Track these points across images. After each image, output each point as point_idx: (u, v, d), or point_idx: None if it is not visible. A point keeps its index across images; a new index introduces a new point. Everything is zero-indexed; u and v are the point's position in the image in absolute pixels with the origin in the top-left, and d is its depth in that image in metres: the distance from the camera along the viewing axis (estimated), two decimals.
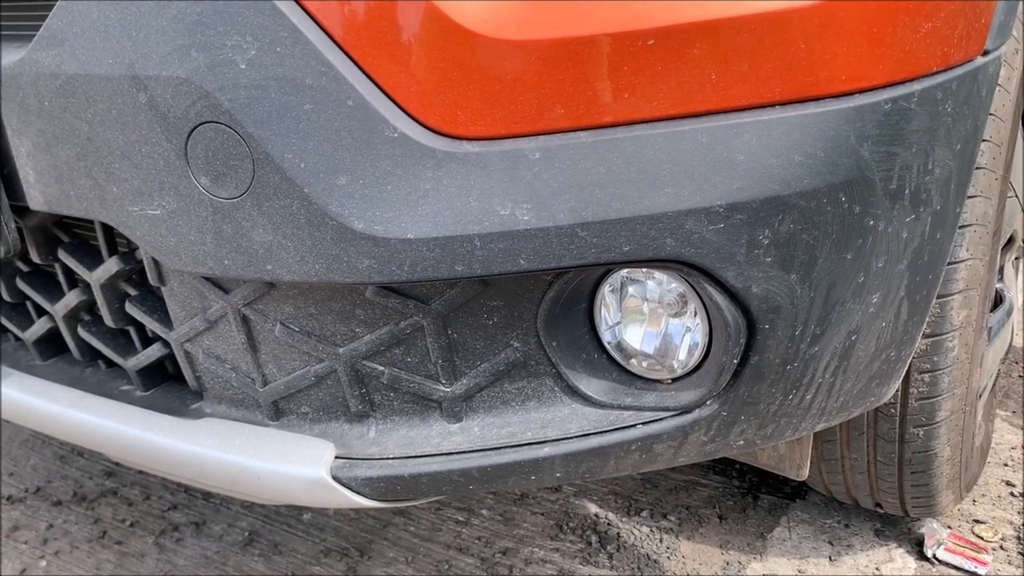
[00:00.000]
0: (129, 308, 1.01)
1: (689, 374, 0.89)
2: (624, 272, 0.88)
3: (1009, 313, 1.37)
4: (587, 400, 0.90)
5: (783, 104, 0.75)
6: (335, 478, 0.90)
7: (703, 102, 0.75)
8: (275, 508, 1.61)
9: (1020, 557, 1.36)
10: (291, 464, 0.90)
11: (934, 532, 1.38)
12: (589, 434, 0.88)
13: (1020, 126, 1.24)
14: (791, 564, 1.38)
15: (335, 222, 0.76)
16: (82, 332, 1.09)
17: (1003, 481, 1.54)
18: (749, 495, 1.56)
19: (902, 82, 0.79)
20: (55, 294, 1.10)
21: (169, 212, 0.83)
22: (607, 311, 0.90)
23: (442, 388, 0.90)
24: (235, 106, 0.75)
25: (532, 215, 0.75)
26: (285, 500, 0.94)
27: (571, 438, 0.88)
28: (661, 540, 1.46)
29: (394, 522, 1.55)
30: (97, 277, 0.99)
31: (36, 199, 0.92)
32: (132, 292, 1.01)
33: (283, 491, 0.91)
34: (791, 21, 0.73)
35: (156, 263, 0.93)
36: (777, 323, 0.82)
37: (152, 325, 0.99)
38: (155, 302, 1.00)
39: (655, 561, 1.41)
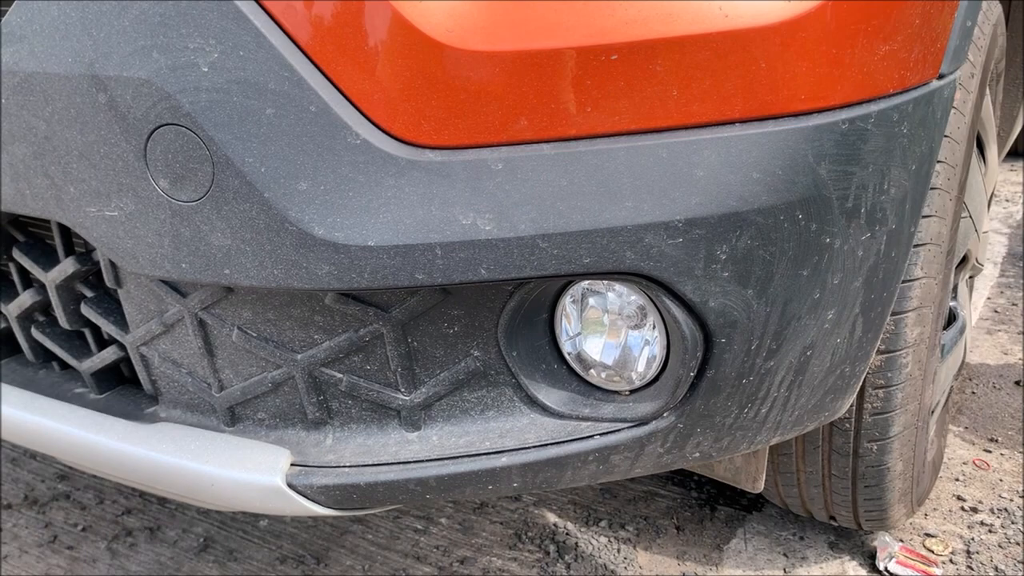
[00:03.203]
0: (84, 310, 0.99)
1: (647, 386, 0.89)
2: (585, 284, 0.89)
3: (962, 331, 1.40)
4: (546, 410, 0.90)
5: (743, 122, 0.77)
6: (290, 485, 0.89)
7: (664, 118, 0.76)
8: (231, 514, 1.59)
9: (969, 570, 1.38)
10: (246, 471, 0.90)
11: (886, 545, 1.40)
12: (547, 444, 0.89)
13: (975, 149, 1.27)
14: (747, 575, 1.39)
15: (295, 228, 0.76)
16: (36, 333, 1.07)
17: (954, 496, 1.57)
18: (706, 507, 1.57)
19: (859, 103, 0.80)
20: (9, 294, 1.08)
21: (127, 214, 0.82)
22: (568, 322, 0.91)
23: (401, 396, 0.89)
24: (196, 109, 0.75)
25: (494, 225, 0.75)
26: (240, 507, 0.93)
27: (529, 448, 0.89)
28: (619, 550, 1.46)
29: (352, 530, 1.54)
30: (52, 278, 0.98)
31: None
32: (88, 294, 1.00)
33: (238, 498, 0.90)
34: (753, 40, 0.74)
35: (113, 265, 0.92)
36: (733, 337, 0.83)
37: (108, 327, 0.98)
38: (111, 304, 0.99)
39: (612, 571, 1.41)
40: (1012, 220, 3.03)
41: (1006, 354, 2.10)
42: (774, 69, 0.76)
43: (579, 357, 0.92)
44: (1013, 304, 2.37)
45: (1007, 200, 3.23)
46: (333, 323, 0.86)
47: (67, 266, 0.97)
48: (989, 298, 2.41)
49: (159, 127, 0.77)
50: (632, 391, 0.90)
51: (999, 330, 2.23)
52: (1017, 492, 1.57)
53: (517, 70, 0.74)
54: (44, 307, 1.06)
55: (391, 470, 0.89)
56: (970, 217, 1.29)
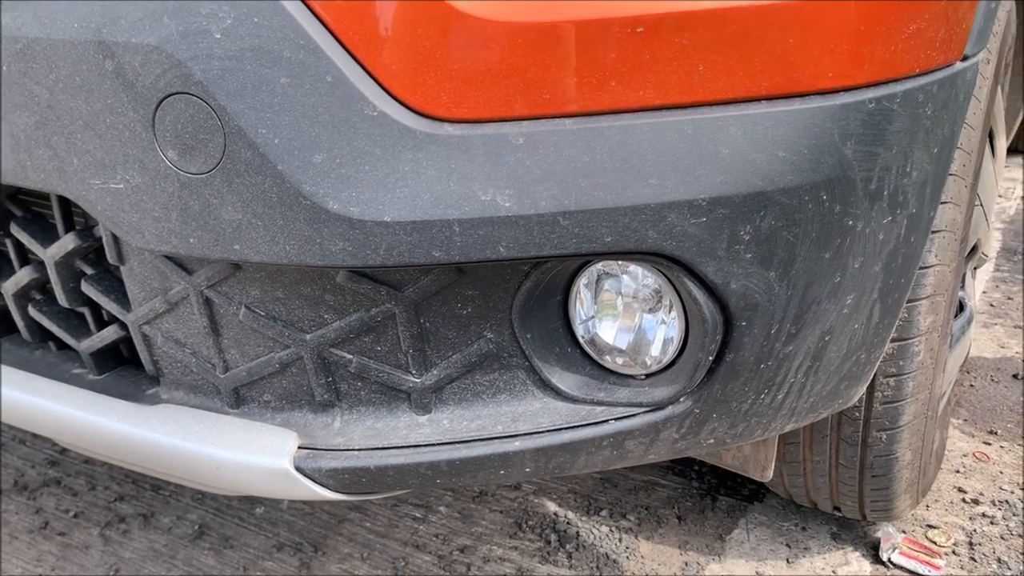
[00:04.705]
0: (85, 287, 0.97)
1: (663, 370, 0.88)
2: (599, 265, 0.87)
3: (970, 321, 1.39)
4: (559, 394, 0.88)
5: (770, 99, 0.75)
6: (298, 469, 0.87)
7: (690, 93, 0.74)
8: (226, 501, 1.57)
9: (972, 562, 1.38)
10: (252, 453, 0.87)
11: (889, 536, 1.39)
12: (561, 429, 0.87)
13: (987, 138, 1.25)
14: (749, 566, 1.38)
15: (309, 202, 0.74)
16: (33, 312, 1.04)
17: (955, 487, 1.57)
18: (708, 496, 1.56)
19: (886, 82, 0.79)
20: (5, 271, 1.05)
21: (133, 186, 0.79)
22: (581, 305, 0.89)
23: (412, 378, 0.87)
24: (208, 77, 0.72)
25: (514, 202, 0.73)
26: (245, 490, 0.90)
27: (542, 432, 0.87)
28: (620, 540, 1.45)
29: (349, 518, 1.52)
30: (52, 254, 0.95)
31: None
32: (88, 271, 0.97)
33: (243, 481, 0.88)
34: (781, 15, 0.73)
35: (116, 240, 0.89)
36: (754, 320, 0.81)
37: (109, 306, 0.95)
38: (112, 282, 0.96)
39: (614, 561, 1.40)
40: (1005, 215, 3.04)
41: (1003, 347, 2.10)
42: (802, 45, 0.74)
43: (593, 341, 0.90)
44: (1009, 298, 2.37)
45: (1000, 195, 3.23)
46: (344, 302, 0.84)
47: (67, 242, 0.94)
48: (985, 292, 2.41)
49: (168, 96, 0.74)
50: (648, 375, 0.89)
51: (995, 324, 2.23)
52: (1017, 484, 1.57)
53: (540, 41, 0.72)
54: (42, 285, 1.03)
55: (401, 454, 0.87)
56: (981, 206, 1.28)
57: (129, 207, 0.80)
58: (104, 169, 0.80)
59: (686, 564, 1.39)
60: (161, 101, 0.75)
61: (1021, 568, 1.36)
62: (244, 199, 0.75)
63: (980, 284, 2.44)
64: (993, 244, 2.75)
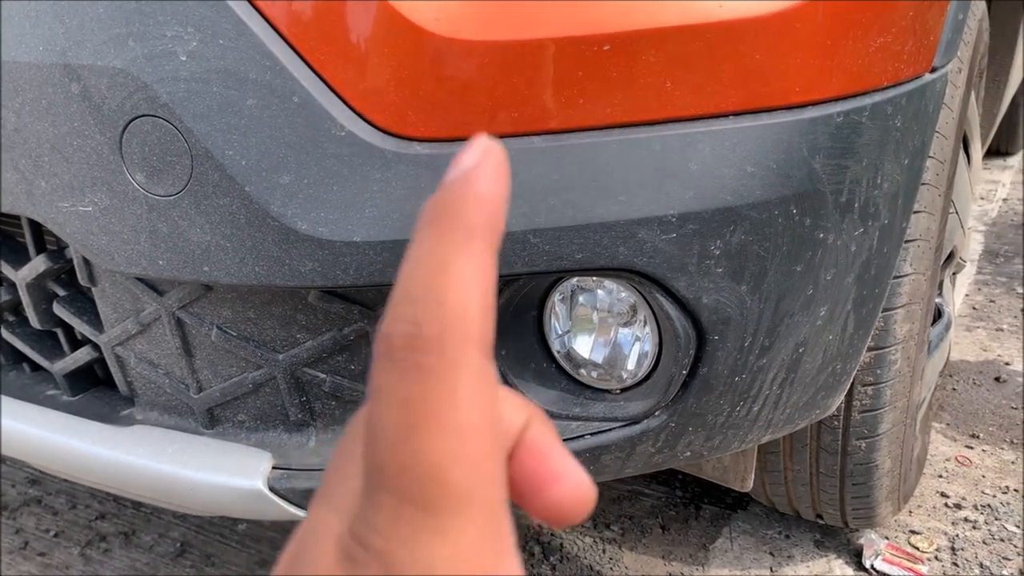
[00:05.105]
0: (57, 309, 0.96)
1: (638, 384, 0.88)
2: (574, 280, 0.87)
3: (948, 327, 1.39)
4: None
5: (737, 114, 0.75)
6: (272, 489, 0.86)
7: (657, 110, 0.74)
8: (208, 519, 1.56)
9: (955, 567, 1.38)
10: (226, 474, 0.87)
11: (872, 543, 1.39)
12: None
13: (960, 145, 1.26)
14: (733, 575, 1.38)
15: (277, 223, 0.73)
16: (5, 333, 1.03)
17: (938, 492, 1.57)
18: (691, 505, 1.56)
19: (854, 95, 0.79)
20: None
21: (101, 209, 0.79)
22: (557, 320, 0.89)
23: None
24: (174, 99, 0.72)
25: None
26: (220, 511, 0.90)
27: None
28: (604, 551, 1.45)
29: None
30: (23, 276, 0.94)
31: None
32: (60, 292, 0.96)
33: (217, 502, 0.87)
34: (748, 31, 0.73)
35: (86, 262, 0.88)
36: (727, 334, 0.81)
37: (81, 327, 0.95)
38: (85, 303, 0.96)
39: (598, 572, 1.40)
40: (987, 218, 3.05)
41: (985, 351, 2.11)
42: (769, 60, 0.74)
43: (568, 356, 0.90)
44: (991, 301, 2.38)
45: (982, 198, 3.25)
46: (316, 322, 0.84)
47: (38, 264, 0.93)
48: (967, 295, 2.42)
49: (135, 118, 0.74)
50: (623, 390, 0.89)
51: (978, 327, 2.24)
52: (1000, 488, 1.57)
53: (507, 60, 0.71)
54: (14, 306, 1.02)
55: None
56: (956, 213, 1.29)
57: (98, 230, 0.80)
58: (72, 192, 0.79)
59: (670, 574, 1.39)
60: (128, 124, 0.74)
61: (1003, 572, 1.36)
62: (212, 221, 0.75)
63: (961, 288, 2.45)
64: (974, 247, 2.76)
